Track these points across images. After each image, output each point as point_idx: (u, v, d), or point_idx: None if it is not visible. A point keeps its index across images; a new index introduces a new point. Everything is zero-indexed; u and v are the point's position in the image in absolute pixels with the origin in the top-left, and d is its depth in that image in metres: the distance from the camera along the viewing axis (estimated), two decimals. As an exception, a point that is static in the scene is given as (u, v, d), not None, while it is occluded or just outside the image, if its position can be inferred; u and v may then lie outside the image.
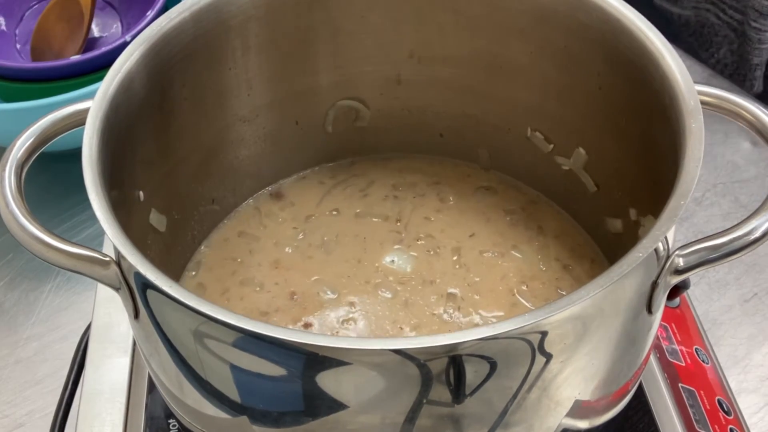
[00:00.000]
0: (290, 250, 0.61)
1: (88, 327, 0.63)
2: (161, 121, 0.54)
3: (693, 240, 0.43)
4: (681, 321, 0.63)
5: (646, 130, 0.51)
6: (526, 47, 0.57)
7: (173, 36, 0.52)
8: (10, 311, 0.71)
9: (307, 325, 0.56)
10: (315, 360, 0.38)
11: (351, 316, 0.57)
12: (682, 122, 0.45)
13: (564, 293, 0.58)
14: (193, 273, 0.60)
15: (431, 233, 0.61)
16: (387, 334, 0.55)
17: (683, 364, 0.60)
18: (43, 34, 0.82)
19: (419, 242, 0.61)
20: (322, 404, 0.40)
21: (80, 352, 0.61)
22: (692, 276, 0.44)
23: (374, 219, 0.62)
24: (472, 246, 0.60)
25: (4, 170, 0.45)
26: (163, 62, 0.52)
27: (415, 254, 0.60)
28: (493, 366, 0.39)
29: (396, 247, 0.60)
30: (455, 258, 0.60)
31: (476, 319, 0.56)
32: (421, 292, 0.57)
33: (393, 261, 0.60)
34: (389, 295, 0.57)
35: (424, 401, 0.40)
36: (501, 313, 0.57)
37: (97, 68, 0.77)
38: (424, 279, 0.58)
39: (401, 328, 0.56)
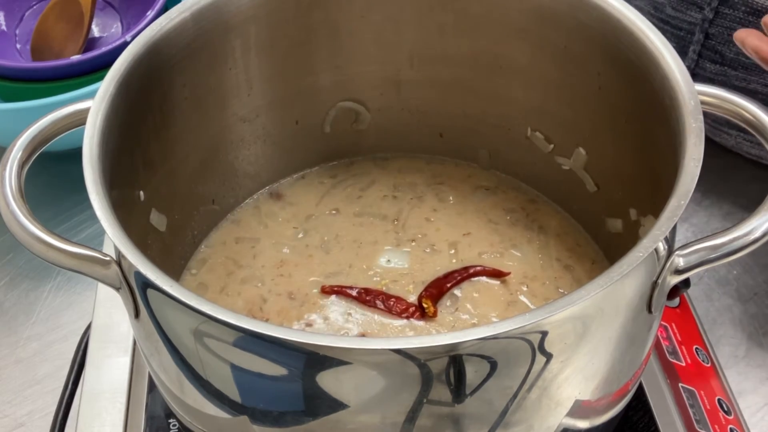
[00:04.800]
0: (290, 250, 0.61)
1: (89, 327, 0.63)
2: (161, 121, 0.54)
3: (693, 240, 0.43)
4: (681, 321, 0.63)
5: (646, 130, 0.51)
6: (526, 47, 0.57)
7: (173, 36, 0.52)
8: (10, 311, 0.71)
9: (307, 324, 0.56)
10: (315, 359, 0.38)
11: (350, 315, 0.57)
12: (682, 122, 0.45)
13: (564, 293, 0.58)
14: (194, 272, 0.60)
15: (429, 233, 0.61)
16: (386, 333, 0.56)
17: (683, 364, 0.60)
18: (43, 34, 0.82)
19: (417, 242, 0.61)
20: (322, 404, 0.40)
21: (80, 352, 0.61)
22: (692, 276, 0.44)
23: (373, 219, 0.62)
24: (470, 245, 0.60)
25: (4, 170, 0.45)
26: (163, 62, 0.52)
27: (412, 254, 0.60)
28: (494, 366, 0.39)
29: (394, 247, 0.61)
30: (453, 258, 0.60)
31: (475, 318, 0.56)
32: (419, 289, 0.57)
33: (389, 261, 0.60)
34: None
35: (425, 401, 0.40)
36: (500, 312, 0.57)
37: (97, 68, 0.77)
38: (421, 278, 0.58)
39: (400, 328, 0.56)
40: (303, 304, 0.57)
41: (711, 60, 0.71)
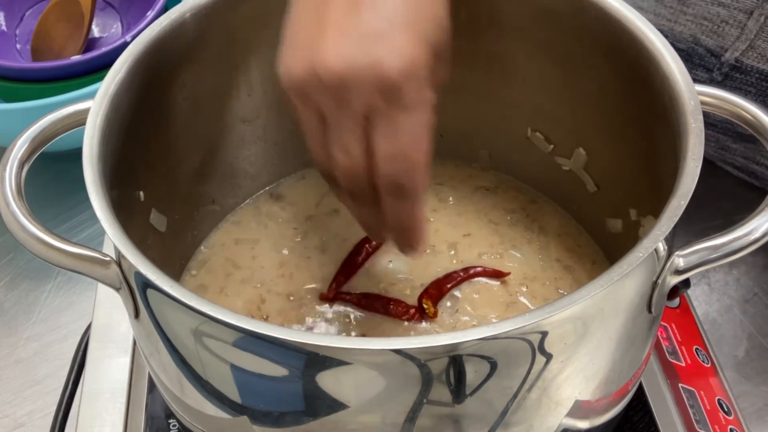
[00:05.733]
0: (290, 251, 0.61)
1: (89, 327, 0.63)
2: (161, 121, 0.54)
3: (693, 240, 0.43)
4: (681, 321, 0.63)
5: (646, 130, 0.51)
6: (526, 47, 0.57)
7: (173, 36, 0.52)
8: (10, 311, 0.71)
9: (307, 327, 0.56)
10: (315, 360, 0.38)
11: (350, 316, 0.57)
12: (682, 122, 0.45)
13: (564, 294, 0.58)
14: (194, 273, 0.60)
15: (430, 234, 0.61)
16: (386, 334, 0.56)
17: (683, 364, 0.60)
18: (43, 34, 0.82)
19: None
20: (322, 404, 0.40)
21: (80, 352, 0.61)
22: (692, 276, 0.44)
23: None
24: (470, 246, 0.60)
25: (4, 170, 0.45)
26: (163, 62, 0.52)
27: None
28: (494, 366, 0.39)
29: (394, 247, 0.60)
30: (453, 259, 0.60)
31: (475, 319, 0.56)
32: (418, 292, 0.57)
33: (390, 262, 0.60)
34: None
35: (425, 401, 0.40)
36: (500, 313, 0.57)
37: (97, 68, 0.77)
38: (421, 279, 0.58)
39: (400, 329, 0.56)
40: (302, 306, 0.57)
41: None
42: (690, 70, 0.68)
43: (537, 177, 0.63)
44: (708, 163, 0.77)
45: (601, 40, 0.52)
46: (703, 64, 0.68)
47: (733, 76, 0.67)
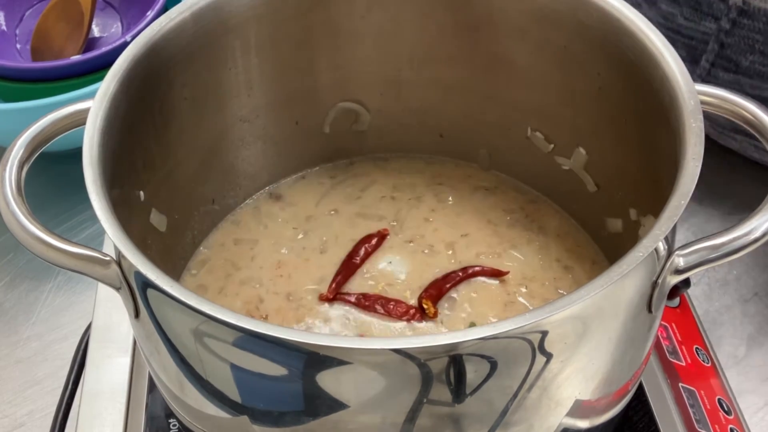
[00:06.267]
0: (289, 251, 0.61)
1: (89, 327, 0.63)
2: (161, 121, 0.54)
3: (693, 240, 0.43)
4: (681, 321, 0.63)
5: (646, 130, 0.51)
6: (526, 47, 0.57)
7: (173, 36, 0.52)
8: (10, 311, 0.71)
9: (306, 327, 0.56)
10: (315, 359, 0.38)
11: (349, 316, 0.57)
12: (682, 122, 0.45)
13: (564, 293, 0.58)
14: (194, 272, 0.60)
15: (428, 234, 0.61)
16: (386, 334, 0.56)
17: (683, 364, 0.60)
18: (43, 34, 0.82)
19: (415, 243, 0.61)
20: (322, 404, 0.40)
21: (80, 352, 0.61)
22: (692, 276, 0.44)
23: (371, 220, 0.62)
24: (468, 246, 0.60)
25: (4, 170, 0.45)
26: (163, 62, 0.52)
27: (411, 255, 0.60)
28: (494, 365, 0.39)
29: (393, 248, 0.60)
30: (452, 259, 0.60)
31: (475, 318, 0.56)
32: (417, 292, 0.57)
33: (390, 262, 0.60)
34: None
35: (425, 401, 0.40)
36: (498, 312, 0.57)
37: (97, 68, 0.77)
38: (420, 279, 0.58)
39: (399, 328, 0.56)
40: (300, 307, 0.57)
41: (724, 69, 0.70)
42: (699, 21, 0.67)
43: (537, 177, 0.63)
44: (709, 162, 0.77)
45: (601, 39, 0.52)
46: (711, 12, 0.67)
47: (740, 23, 0.66)
